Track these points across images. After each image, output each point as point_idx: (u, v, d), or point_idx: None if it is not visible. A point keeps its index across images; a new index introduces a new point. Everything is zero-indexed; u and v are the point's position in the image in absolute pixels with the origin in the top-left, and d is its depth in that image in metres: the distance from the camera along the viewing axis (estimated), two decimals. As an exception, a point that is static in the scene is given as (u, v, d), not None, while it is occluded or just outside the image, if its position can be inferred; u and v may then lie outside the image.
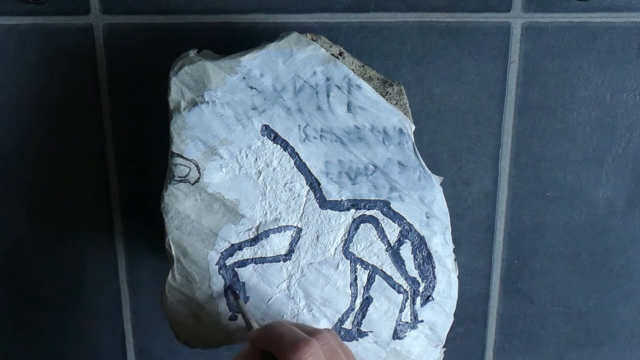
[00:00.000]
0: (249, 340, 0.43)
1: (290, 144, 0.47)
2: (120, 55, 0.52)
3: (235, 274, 0.49)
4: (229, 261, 0.48)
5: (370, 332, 0.50)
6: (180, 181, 0.47)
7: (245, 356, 0.42)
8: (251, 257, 0.49)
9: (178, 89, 0.46)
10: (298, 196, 0.48)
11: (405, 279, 0.50)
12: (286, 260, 0.49)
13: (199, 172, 0.47)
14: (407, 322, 0.50)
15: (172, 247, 0.48)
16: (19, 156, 0.54)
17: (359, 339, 0.50)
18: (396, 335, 0.50)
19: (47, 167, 0.54)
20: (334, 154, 0.48)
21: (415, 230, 0.49)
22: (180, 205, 0.47)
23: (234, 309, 0.49)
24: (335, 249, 0.49)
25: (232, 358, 0.43)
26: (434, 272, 0.50)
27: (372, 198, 0.48)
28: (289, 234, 0.48)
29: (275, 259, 0.49)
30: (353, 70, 0.47)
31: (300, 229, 0.48)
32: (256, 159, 0.47)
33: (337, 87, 0.47)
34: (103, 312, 0.58)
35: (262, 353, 0.42)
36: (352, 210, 0.48)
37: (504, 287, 0.58)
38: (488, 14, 0.51)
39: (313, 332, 0.42)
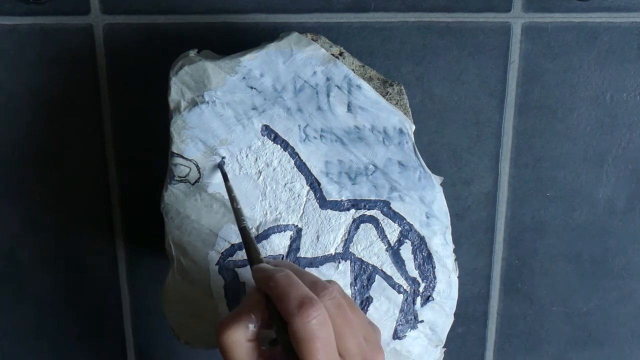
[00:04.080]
0: (253, 278, 0.41)
1: (291, 144, 0.47)
2: (120, 55, 0.52)
3: (235, 274, 0.49)
4: (229, 261, 0.48)
5: (370, 332, 0.50)
6: (180, 181, 0.47)
7: (251, 303, 0.40)
8: (251, 257, 0.49)
9: (178, 89, 0.46)
10: (298, 196, 0.48)
11: (406, 279, 0.50)
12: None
13: (199, 172, 0.47)
14: (407, 322, 0.50)
15: (172, 247, 0.48)
16: (19, 156, 0.54)
17: (359, 339, 0.50)
18: (396, 335, 0.50)
19: (47, 167, 0.54)
20: (334, 154, 0.48)
21: (416, 230, 0.49)
22: (180, 205, 0.47)
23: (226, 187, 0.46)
24: (335, 249, 0.49)
25: (242, 300, 0.41)
26: (434, 272, 0.50)
27: (372, 198, 0.48)
28: (289, 234, 0.48)
29: (276, 259, 0.49)
30: (353, 70, 0.47)
31: (300, 229, 0.48)
32: (256, 159, 0.47)
33: (337, 87, 0.47)
34: (103, 312, 0.58)
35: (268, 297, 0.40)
36: (352, 210, 0.48)
37: (504, 287, 0.58)
38: (488, 14, 0.51)
39: (318, 287, 0.40)
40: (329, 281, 0.42)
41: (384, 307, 0.50)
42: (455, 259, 0.51)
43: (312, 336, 0.37)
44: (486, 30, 0.51)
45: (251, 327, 0.39)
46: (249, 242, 0.44)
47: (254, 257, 0.43)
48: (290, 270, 0.41)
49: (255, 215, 0.48)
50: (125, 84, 0.52)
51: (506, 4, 0.51)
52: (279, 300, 0.39)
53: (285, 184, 0.48)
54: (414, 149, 0.48)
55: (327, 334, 0.38)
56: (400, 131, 0.48)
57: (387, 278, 0.49)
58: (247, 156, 0.47)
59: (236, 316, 0.39)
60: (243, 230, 0.44)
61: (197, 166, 0.47)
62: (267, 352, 0.40)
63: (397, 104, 0.48)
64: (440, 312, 0.51)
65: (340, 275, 0.49)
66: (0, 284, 0.57)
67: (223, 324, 0.39)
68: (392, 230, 0.49)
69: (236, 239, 0.48)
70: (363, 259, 0.49)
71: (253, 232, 0.48)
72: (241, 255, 0.48)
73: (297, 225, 0.48)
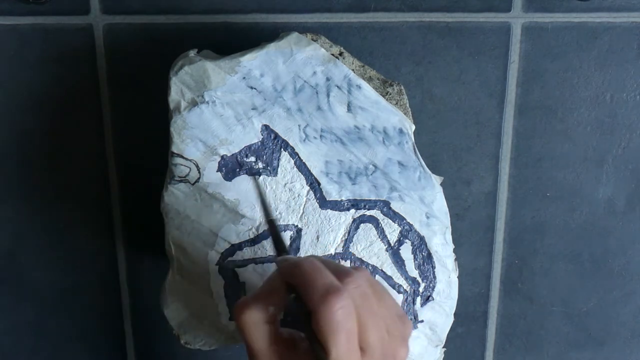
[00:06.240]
0: (278, 267, 0.40)
1: (290, 144, 0.47)
2: (120, 55, 0.52)
3: (235, 274, 0.49)
4: (229, 261, 0.48)
5: (370, 332, 0.50)
6: (180, 181, 0.47)
7: (272, 287, 0.39)
8: (251, 257, 0.49)
9: (178, 89, 0.46)
10: (298, 196, 0.48)
11: (406, 279, 0.50)
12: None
13: (199, 172, 0.47)
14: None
15: (172, 247, 0.48)
16: (19, 156, 0.54)
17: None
18: (396, 335, 0.50)
19: (47, 167, 0.54)
20: (334, 154, 0.48)
21: (415, 230, 0.49)
22: (180, 205, 0.47)
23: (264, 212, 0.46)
24: (335, 249, 0.49)
25: (262, 283, 0.40)
26: (434, 272, 0.50)
27: (372, 198, 0.48)
28: (289, 234, 0.48)
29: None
30: (353, 70, 0.47)
31: (300, 229, 0.48)
32: (256, 159, 0.47)
33: (337, 87, 0.47)
34: (103, 312, 0.58)
35: (290, 285, 0.39)
36: (352, 210, 0.48)
37: (504, 287, 0.58)
38: (488, 14, 0.51)
39: (342, 274, 0.38)
40: (356, 268, 0.40)
41: (384, 307, 0.50)
42: (455, 259, 0.51)
43: (337, 327, 0.36)
44: (486, 30, 0.51)
45: (271, 309, 0.38)
46: (276, 234, 0.43)
47: (280, 249, 0.42)
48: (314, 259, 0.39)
49: (256, 215, 0.48)
50: (125, 84, 0.52)
51: (506, 4, 0.51)
52: (303, 288, 0.37)
53: (285, 184, 0.48)
54: (414, 149, 0.48)
55: (351, 326, 0.36)
56: (400, 131, 0.48)
57: (387, 278, 0.49)
58: (247, 156, 0.47)
59: (256, 297, 0.38)
60: (271, 223, 0.44)
61: (197, 166, 0.47)
62: (284, 336, 0.39)
63: (397, 104, 0.48)
64: (440, 312, 0.51)
65: (340, 275, 0.49)
66: (0, 284, 0.57)
67: (242, 304, 0.38)
68: (392, 230, 0.49)
69: (236, 238, 0.48)
70: (363, 258, 0.49)
71: (253, 232, 0.48)
72: (241, 255, 0.48)
73: (297, 225, 0.48)
